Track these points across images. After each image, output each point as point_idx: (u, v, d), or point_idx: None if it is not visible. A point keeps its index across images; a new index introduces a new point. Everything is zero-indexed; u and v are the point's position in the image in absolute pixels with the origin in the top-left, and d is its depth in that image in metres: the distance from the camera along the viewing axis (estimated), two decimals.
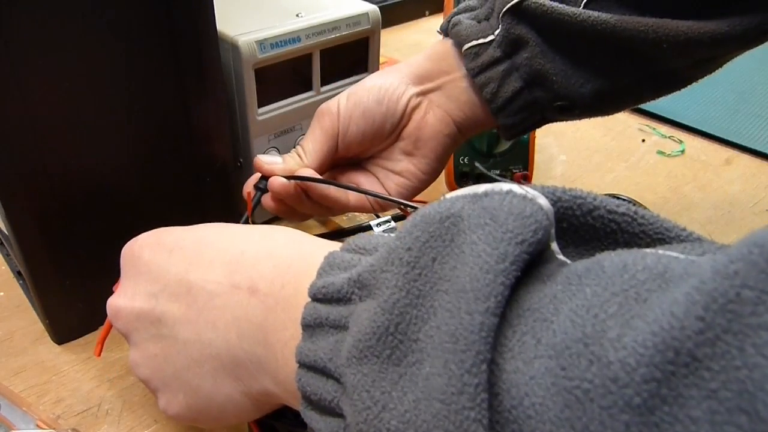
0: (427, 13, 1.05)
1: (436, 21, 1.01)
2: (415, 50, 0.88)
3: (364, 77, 0.54)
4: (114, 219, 0.42)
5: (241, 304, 0.25)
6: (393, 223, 0.53)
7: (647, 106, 0.76)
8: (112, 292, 0.32)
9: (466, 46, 0.41)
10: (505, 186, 0.19)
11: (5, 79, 0.33)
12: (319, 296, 0.22)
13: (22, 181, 0.36)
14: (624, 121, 0.75)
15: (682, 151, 0.70)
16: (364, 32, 0.52)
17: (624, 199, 0.20)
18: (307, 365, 0.21)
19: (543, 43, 0.38)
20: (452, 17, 0.43)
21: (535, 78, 0.40)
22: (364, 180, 0.45)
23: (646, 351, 0.14)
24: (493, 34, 0.40)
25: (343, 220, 0.57)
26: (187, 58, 0.40)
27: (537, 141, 0.60)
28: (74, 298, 0.42)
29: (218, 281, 0.26)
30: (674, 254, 0.16)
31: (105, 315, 0.45)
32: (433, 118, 0.43)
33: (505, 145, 0.57)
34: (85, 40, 0.35)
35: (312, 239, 0.27)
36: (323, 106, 0.43)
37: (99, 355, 0.34)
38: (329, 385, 0.21)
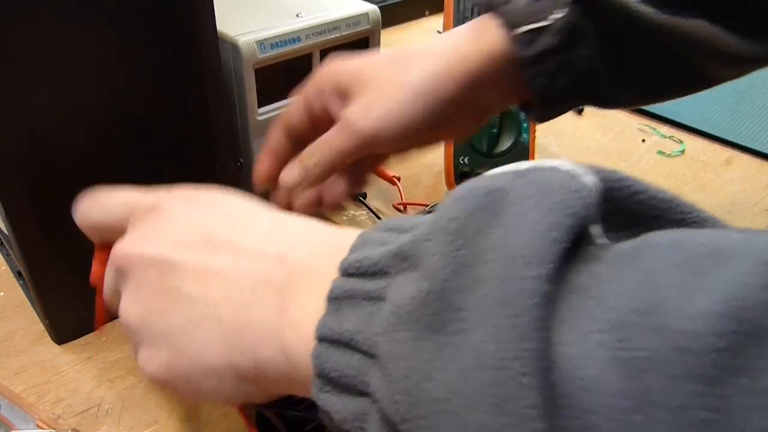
0: (427, 13, 1.05)
1: (436, 21, 1.01)
2: None
3: None
4: None
5: (265, 269, 0.24)
6: None
7: (647, 105, 0.76)
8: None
9: (521, 29, 0.35)
10: (549, 162, 0.18)
11: (5, 79, 0.33)
12: (351, 270, 0.21)
13: (22, 181, 0.36)
14: (624, 121, 0.75)
15: (682, 151, 0.70)
16: (364, 32, 0.52)
17: None
18: (329, 339, 0.20)
19: (603, 41, 0.35)
20: None
21: (585, 76, 0.37)
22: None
23: (711, 320, 0.13)
24: (552, 17, 0.35)
25: (343, 220, 0.57)
26: (187, 58, 0.40)
27: (537, 141, 0.60)
28: (74, 298, 0.42)
29: (248, 246, 0.25)
30: (726, 233, 0.16)
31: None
32: (470, 115, 0.40)
33: (505, 145, 0.57)
34: (84, 41, 0.35)
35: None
36: (359, 121, 0.36)
37: (98, 328, 0.32)
38: (355, 359, 0.19)
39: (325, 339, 0.20)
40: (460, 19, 0.59)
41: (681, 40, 0.34)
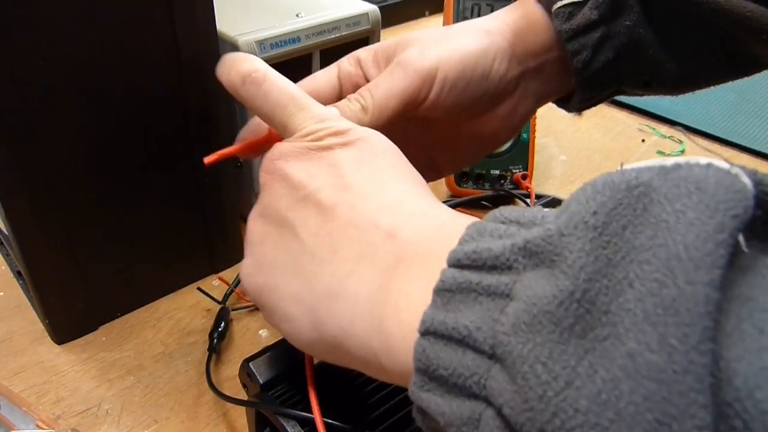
0: (427, 13, 1.05)
1: (436, 21, 1.01)
2: None
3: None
4: (114, 219, 0.42)
5: (374, 243, 0.23)
6: None
7: (647, 106, 0.76)
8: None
9: (559, 4, 0.35)
10: (703, 159, 0.17)
11: (5, 79, 0.33)
12: (466, 262, 0.19)
13: (22, 181, 0.36)
14: (624, 121, 0.75)
15: (682, 151, 0.70)
16: (364, 32, 0.52)
17: None
18: (438, 334, 0.19)
19: (644, 12, 0.34)
20: None
21: (630, 49, 0.35)
22: (421, 131, 0.39)
23: None
24: None
25: None
26: (187, 58, 0.40)
27: (537, 141, 0.60)
28: (74, 298, 0.42)
29: (363, 213, 0.24)
30: None
31: (105, 314, 0.45)
32: (522, 110, 0.38)
33: (504, 145, 0.57)
34: (84, 41, 0.35)
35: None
36: (417, 60, 0.34)
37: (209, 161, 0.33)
38: (469, 359, 0.18)
39: (432, 333, 0.19)
40: (460, 19, 0.59)
41: (729, 17, 0.33)
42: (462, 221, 0.22)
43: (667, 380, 0.14)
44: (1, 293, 0.47)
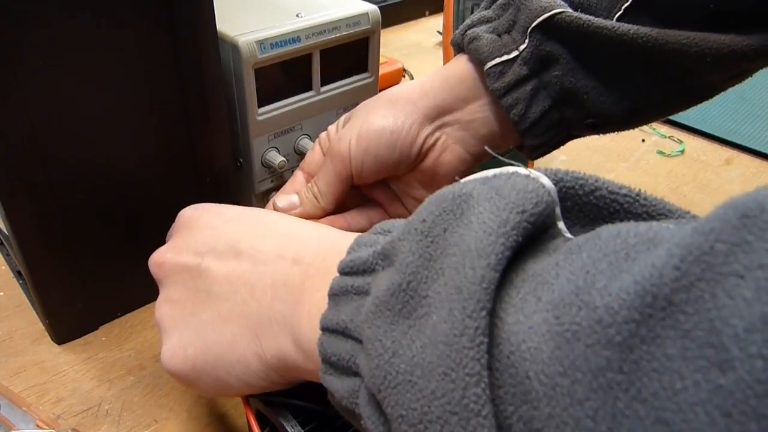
0: (427, 13, 1.05)
1: (436, 21, 1.01)
2: (415, 50, 0.88)
3: (364, 77, 0.55)
4: (114, 219, 0.42)
5: (283, 270, 0.28)
6: None
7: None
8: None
9: (489, 64, 0.37)
10: (511, 168, 0.21)
11: (5, 79, 0.33)
12: (346, 270, 0.24)
13: (22, 181, 0.36)
14: None
15: (682, 151, 0.70)
16: (364, 32, 0.52)
17: None
18: (329, 329, 0.23)
19: (575, 60, 0.36)
20: (467, 30, 0.39)
21: (565, 96, 0.38)
22: (382, 194, 0.44)
23: (627, 296, 0.15)
24: (517, 49, 0.37)
25: None
26: (187, 58, 0.40)
27: None
28: (74, 298, 0.42)
29: (266, 251, 0.29)
30: (666, 225, 0.18)
31: (105, 314, 0.45)
32: (450, 156, 0.41)
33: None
34: (84, 41, 0.35)
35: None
36: (335, 146, 0.40)
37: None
38: (348, 345, 0.22)
39: (326, 329, 0.23)
40: (460, 19, 0.59)
41: (667, 50, 0.34)
42: (350, 237, 0.26)
43: (449, 342, 0.18)
44: (1, 293, 0.47)
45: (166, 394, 0.40)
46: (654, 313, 0.15)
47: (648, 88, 0.38)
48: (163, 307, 0.31)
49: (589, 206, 0.20)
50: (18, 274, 0.48)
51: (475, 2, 0.59)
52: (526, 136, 0.40)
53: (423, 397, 0.18)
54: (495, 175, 0.21)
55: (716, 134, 0.72)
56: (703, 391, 0.13)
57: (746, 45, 0.34)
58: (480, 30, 0.39)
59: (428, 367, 0.18)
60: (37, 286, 0.41)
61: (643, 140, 0.72)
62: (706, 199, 0.62)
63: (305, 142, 0.52)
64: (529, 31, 0.36)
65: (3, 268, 0.49)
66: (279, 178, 0.53)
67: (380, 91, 0.57)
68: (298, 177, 0.43)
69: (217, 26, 0.41)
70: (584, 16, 0.35)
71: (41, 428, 0.36)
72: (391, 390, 0.19)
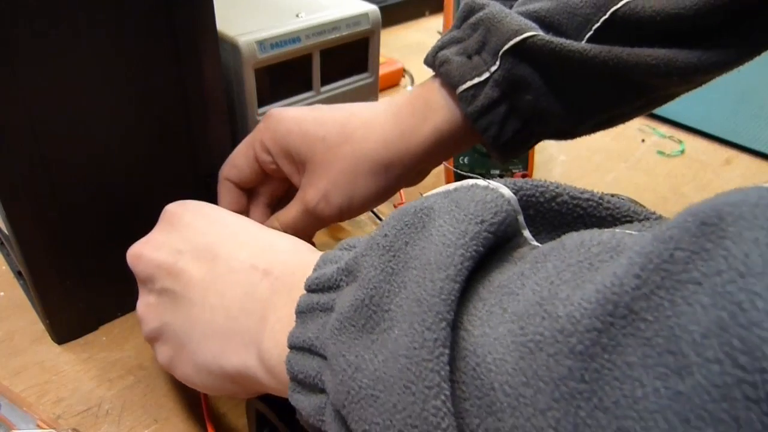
0: (427, 13, 1.05)
1: (436, 21, 1.01)
2: (415, 50, 0.88)
3: (364, 77, 0.54)
4: (114, 219, 0.42)
5: (253, 282, 0.27)
6: None
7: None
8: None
9: (461, 88, 0.37)
10: (471, 181, 0.22)
11: (5, 79, 0.33)
12: (312, 287, 0.24)
13: (22, 181, 0.36)
14: None
15: (682, 151, 0.70)
16: (364, 32, 0.52)
17: (623, 199, 0.21)
18: (296, 347, 0.23)
19: (545, 84, 0.36)
20: (438, 52, 0.39)
21: (535, 117, 0.38)
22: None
23: (589, 305, 0.15)
24: (488, 71, 0.36)
25: (345, 221, 0.57)
26: (187, 59, 0.40)
27: None
28: (74, 298, 0.42)
29: (241, 260, 0.29)
30: (629, 231, 0.18)
31: (105, 314, 0.45)
32: (435, 163, 0.42)
33: None
34: (84, 41, 0.35)
35: None
36: (323, 212, 0.39)
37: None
38: (315, 362, 0.22)
39: (294, 347, 0.24)
40: None
41: (637, 69, 0.34)
42: (317, 254, 0.27)
43: (409, 354, 0.18)
44: (1, 293, 0.47)
45: (166, 394, 0.40)
46: (615, 321, 0.15)
47: (615, 104, 0.38)
48: (141, 304, 0.32)
49: (552, 213, 0.21)
50: (18, 274, 0.48)
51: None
52: (500, 152, 0.40)
53: (385, 411, 0.18)
54: (455, 189, 0.21)
55: (716, 134, 0.72)
56: (663, 398, 0.13)
57: (713, 62, 0.34)
58: (450, 52, 0.38)
59: (390, 381, 0.18)
60: (37, 286, 0.41)
61: (643, 140, 0.72)
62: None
63: None
64: (500, 54, 0.36)
65: (3, 268, 0.49)
66: None
67: (380, 91, 0.57)
68: (230, 192, 0.42)
69: (217, 26, 0.41)
70: (556, 39, 0.34)
71: (41, 428, 0.36)
72: (355, 405, 0.19)
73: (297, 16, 0.49)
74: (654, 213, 0.20)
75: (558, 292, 0.16)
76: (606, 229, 0.18)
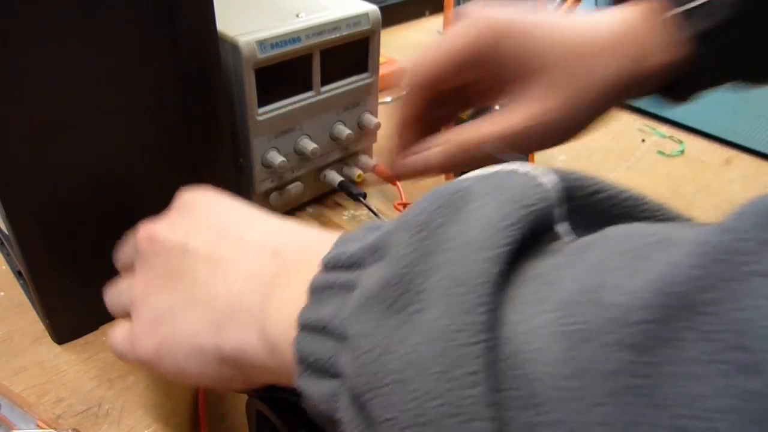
0: (427, 13, 1.05)
1: (436, 21, 1.01)
2: (415, 50, 0.88)
3: (364, 77, 0.54)
4: (114, 219, 0.42)
5: (260, 262, 0.27)
6: None
7: (647, 106, 0.76)
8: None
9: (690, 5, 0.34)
10: (510, 165, 0.21)
11: (5, 79, 0.33)
12: (330, 265, 0.23)
13: (22, 181, 0.36)
14: (624, 121, 0.75)
15: (682, 151, 0.70)
16: (364, 32, 0.52)
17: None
18: (308, 327, 0.22)
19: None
20: None
21: (756, 47, 0.36)
22: None
23: (643, 295, 0.14)
24: None
25: (343, 220, 0.57)
26: (187, 58, 0.40)
27: None
28: (74, 298, 0.42)
29: (251, 241, 0.28)
30: (678, 226, 0.17)
31: (105, 314, 0.45)
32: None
33: None
34: (84, 41, 0.35)
35: None
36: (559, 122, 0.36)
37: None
38: (329, 343, 0.21)
39: (305, 327, 0.22)
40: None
41: None
42: (333, 235, 0.26)
43: (446, 339, 0.16)
44: (1, 293, 0.47)
45: (166, 394, 0.40)
46: (672, 313, 0.14)
47: None
48: (137, 284, 0.30)
49: (591, 209, 0.20)
50: (18, 274, 0.48)
51: (476, 2, 0.59)
52: (694, 85, 0.37)
53: (416, 399, 0.17)
54: (494, 173, 0.20)
55: (716, 134, 0.72)
56: (728, 396, 0.12)
57: None
58: None
59: (423, 366, 0.17)
60: (37, 286, 0.41)
61: (643, 140, 0.72)
62: (706, 199, 0.62)
63: (305, 142, 0.52)
64: None
65: (3, 268, 0.49)
66: (279, 178, 0.53)
67: (380, 91, 0.58)
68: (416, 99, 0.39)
69: (217, 26, 0.41)
70: None
71: (41, 428, 0.36)
72: (379, 390, 0.18)
73: (297, 16, 0.49)
74: (690, 219, 0.19)
75: (605, 281, 0.15)
76: (656, 223, 0.18)
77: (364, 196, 0.57)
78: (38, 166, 0.36)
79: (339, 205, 0.59)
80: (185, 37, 0.39)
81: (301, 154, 0.53)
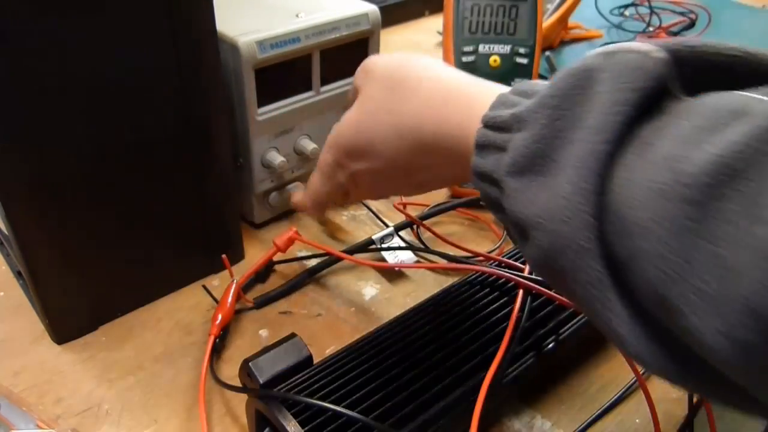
0: (427, 13, 1.05)
1: (436, 21, 1.01)
2: (415, 50, 0.88)
3: None
4: (113, 220, 0.42)
5: (451, 96, 0.33)
6: (395, 237, 0.53)
7: None
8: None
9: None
10: (628, 45, 0.24)
11: (5, 79, 0.33)
12: (489, 124, 0.29)
13: (22, 181, 0.36)
14: None
15: None
16: (364, 32, 0.52)
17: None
18: (478, 174, 0.29)
19: None
20: None
21: None
22: None
23: (704, 165, 0.19)
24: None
25: (343, 220, 0.57)
26: (187, 58, 0.40)
27: None
28: (74, 298, 0.42)
29: (449, 79, 0.34)
30: (761, 96, 0.21)
31: (105, 314, 0.45)
32: None
33: None
34: (84, 41, 0.35)
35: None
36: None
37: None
38: (493, 190, 0.28)
39: (476, 173, 0.29)
40: (459, 20, 0.59)
41: None
42: (496, 90, 0.31)
43: (569, 197, 0.23)
44: (1, 293, 0.47)
45: (167, 394, 0.40)
46: (724, 179, 0.19)
47: None
48: (361, 122, 0.36)
49: (700, 68, 0.24)
50: (18, 274, 0.48)
51: (475, 2, 0.59)
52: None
53: (549, 233, 0.24)
54: (615, 51, 0.24)
55: None
56: (752, 237, 0.18)
57: None
58: None
59: (553, 212, 0.24)
60: (37, 286, 0.41)
61: None
62: None
63: (305, 142, 0.52)
64: None
65: (3, 268, 0.49)
66: (279, 178, 0.53)
67: None
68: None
69: (217, 26, 0.41)
70: None
71: (41, 428, 0.36)
72: (527, 226, 0.25)
73: (297, 16, 0.49)
74: None
75: (685, 151, 0.20)
76: (743, 93, 0.21)
77: None
78: (38, 167, 0.36)
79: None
80: (185, 37, 0.39)
81: (300, 154, 0.53)
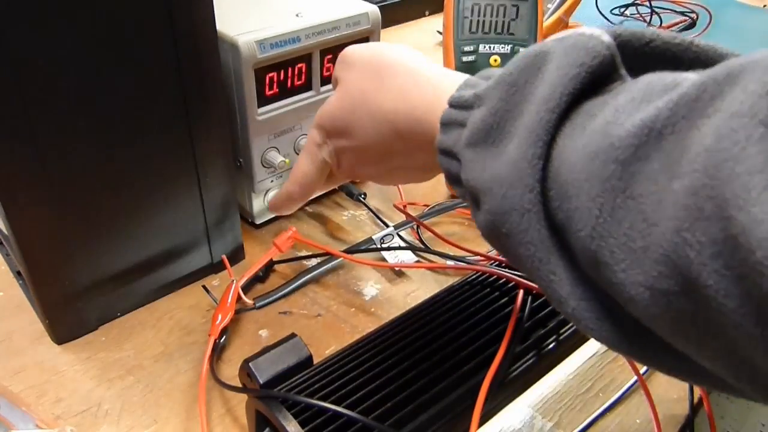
0: (427, 13, 1.05)
1: (436, 21, 1.01)
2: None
3: None
4: (113, 220, 0.42)
5: (453, 81, 0.34)
6: (395, 237, 0.53)
7: None
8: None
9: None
10: (580, 30, 0.26)
11: (5, 79, 0.33)
12: (453, 104, 0.30)
13: (22, 181, 0.36)
14: None
15: None
16: (364, 32, 0.52)
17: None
18: (441, 150, 0.30)
19: None
20: None
21: None
22: None
23: (632, 128, 0.21)
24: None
25: (343, 220, 0.57)
26: (187, 58, 0.40)
27: None
28: (74, 298, 0.42)
29: (423, 72, 0.36)
30: (691, 75, 0.22)
31: (105, 314, 0.45)
32: None
33: None
34: (84, 41, 0.35)
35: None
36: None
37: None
38: (453, 164, 0.30)
39: (439, 150, 0.31)
40: (460, 19, 0.59)
41: None
42: (460, 78, 0.33)
43: (515, 163, 0.25)
44: (1, 293, 0.47)
45: (166, 393, 0.40)
46: (648, 140, 0.20)
47: None
48: (344, 100, 0.38)
49: (645, 55, 0.26)
50: (18, 274, 0.48)
51: (475, 2, 0.59)
52: None
53: (497, 197, 0.25)
54: (568, 36, 0.26)
55: None
56: (667, 191, 0.19)
57: None
58: None
59: (501, 179, 0.25)
60: (37, 286, 0.40)
61: None
62: None
63: (305, 142, 0.52)
64: None
65: (3, 268, 0.49)
66: (279, 178, 0.53)
67: None
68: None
69: (217, 26, 0.41)
70: None
71: (41, 428, 0.36)
72: (479, 192, 0.27)
73: (297, 15, 0.49)
74: (735, 52, 0.24)
75: (617, 118, 0.22)
76: (676, 73, 0.23)
77: (364, 196, 0.57)
78: (37, 167, 0.36)
79: (339, 204, 0.59)
80: (185, 37, 0.39)
81: None
